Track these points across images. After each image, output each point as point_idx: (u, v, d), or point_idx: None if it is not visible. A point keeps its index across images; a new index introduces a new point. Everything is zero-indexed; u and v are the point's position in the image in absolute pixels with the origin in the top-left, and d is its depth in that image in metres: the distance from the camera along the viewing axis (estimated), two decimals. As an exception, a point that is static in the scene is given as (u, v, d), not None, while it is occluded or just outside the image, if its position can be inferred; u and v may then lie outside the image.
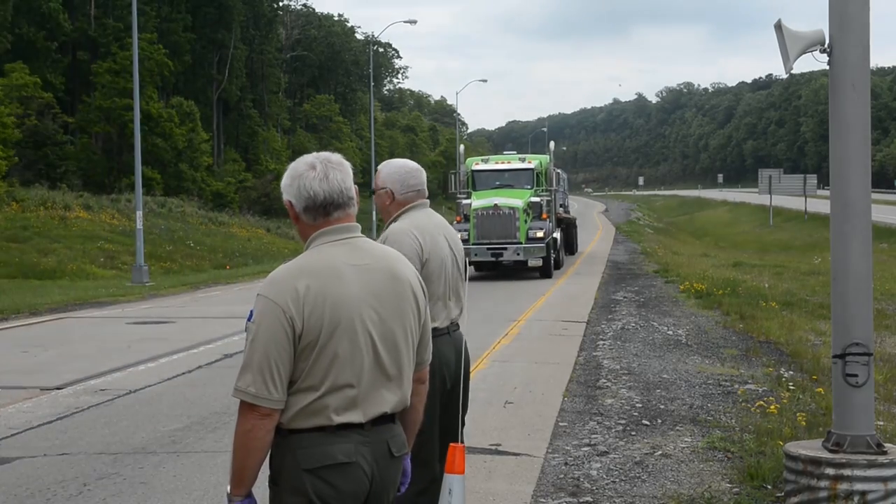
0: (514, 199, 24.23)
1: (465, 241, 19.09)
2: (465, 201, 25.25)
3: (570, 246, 33.28)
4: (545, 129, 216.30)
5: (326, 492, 2.81)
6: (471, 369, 4.72)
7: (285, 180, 2.94)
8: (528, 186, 25.47)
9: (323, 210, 2.90)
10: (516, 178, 25.89)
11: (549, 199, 26.06)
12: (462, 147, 32.30)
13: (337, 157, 2.96)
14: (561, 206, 31.39)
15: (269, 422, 2.84)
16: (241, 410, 2.89)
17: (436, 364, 3.91)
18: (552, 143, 30.50)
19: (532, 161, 26.72)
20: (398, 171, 4.57)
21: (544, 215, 25.19)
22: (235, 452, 2.91)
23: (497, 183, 25.71)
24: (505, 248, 23.71)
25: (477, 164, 26.88)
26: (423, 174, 4.66)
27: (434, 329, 4.17)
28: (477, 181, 26.10)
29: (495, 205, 23.85)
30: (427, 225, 4.53)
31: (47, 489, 6.60)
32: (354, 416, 2.84)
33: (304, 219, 2.93)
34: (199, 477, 6.77)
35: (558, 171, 31.03)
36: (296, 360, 2.81)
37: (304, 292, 2.79)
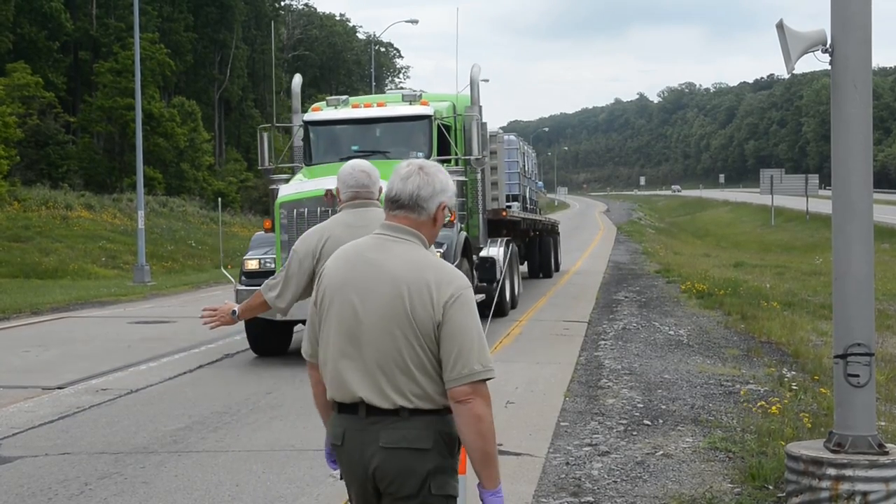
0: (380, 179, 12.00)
1: (253, 276, 11.86)
2: (281, 188, 12.68)
3: (546, 265, 24.21)
4: (546, 129, 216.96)
5: None
6: None
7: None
8: (422, 154, 13.11)
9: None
10: (395, 136, 13.61)
11: (471, 180, 14.17)
12: (297, 79, 15.80)
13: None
14: (527, 200, 22.06)
15: None
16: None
17: None
18: (476, 68, 14.91)
19: (428, 104, 13.70)
20: (342, 173, 4.88)
21: (452, 215, 14.11)
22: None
23: (356, 148, 13.42)
24: None
25: (317, 111, 14.19)
26: (367, 175, 4.86)
27: None
28: (317, 145, 13.71)
29: (328, 192, 10.90)
30: (336, 225, 4.79)
31: (49, 489, 6.61)
32: None
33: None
34: (200, 476, 6.77)
35: (510, 136, 21.12)
36: None
37: None
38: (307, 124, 13.82)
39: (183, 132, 53.43)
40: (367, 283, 3.05)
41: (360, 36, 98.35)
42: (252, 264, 12.30)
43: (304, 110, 14.88)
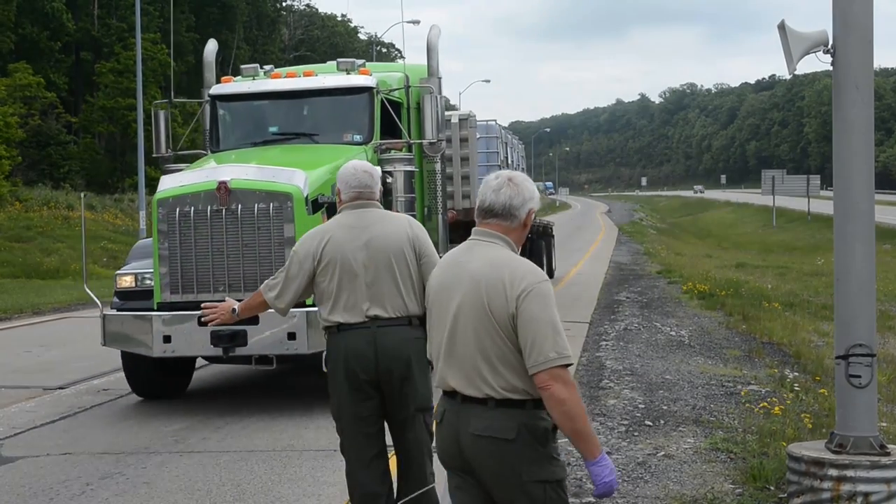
0: (294, 170, 8.98)
1: (128, 296, 9.20)
2: (162, 179, 9.34)
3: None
4: (548, 130, 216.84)
5: None
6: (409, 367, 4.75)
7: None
8: (360, 137, 10.09)
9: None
10: (326, 115, 10.56)
11: (427, 171, 10.97)
12: (212, 44, 12.35)
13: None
14: None
15: None
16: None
17: (341, 355, 4.68)
18: (436, 30, 11.26)
19: (370, 73, 10.49)
20: (342, 173, 4.90)
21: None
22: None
23: (274, 130, 10.59)
24: (248, 321, 7.31)
25: (227, 82, 10.99)
26: (370, 175, 4.89)
27: (347, 324, 4.68)
28: (226, 125, 10.78)
29: (221, 185, 8.64)
30: (336, 226, 4.82)
31: (50, 489, 6.61)
32: None
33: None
34: (202, 477, 6.78)
35: (490, 122, 17.75)
36: None
37: None
38: (214, 99, 10.69)
39: (184, 132, 53.36)
40: (455, 285, 3.40)
41: (362, 36, 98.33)
42: (126, 281, 9.26)
43: None
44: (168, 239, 8.74)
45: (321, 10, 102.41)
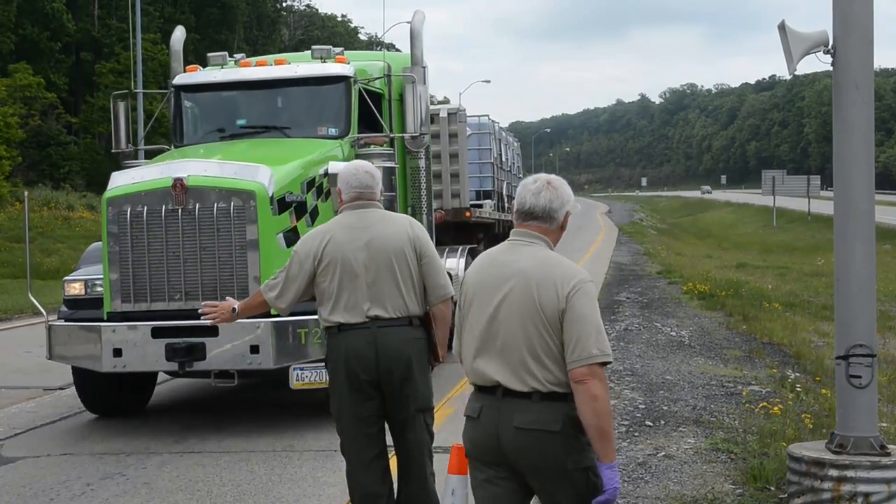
0: (258, 166, 8.12)
1: (78, 304, 8.48)
2: (113, 176, 8.48)
3: None
4: (548, 130, 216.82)
5: None
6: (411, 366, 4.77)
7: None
8: (336, 130, 9.36)
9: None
10: (299, 107, 9.81)
11: (411, 168, 10.10)
12: (179, 32, 11.26)
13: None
14: (504, 198, 17.21)
15: None
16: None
17: (342, 356, 4.66)
18: (420, 16, 10.56)
19: (347, 61, 9.69)
20: (344, 173, 4.92)
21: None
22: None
23: (242, 123, 9.81)
24: (206, 332, 7.55)
25: (193, 71, 10.25)
26: (371, 176, 4.90)
27: (348, 324, 4.68)
28: (190, 118, 10.12)
29: (177, 183, 7.83)
30: (337, 226, 4.83)
31: (51, 489, 6.62)
32: None
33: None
34: (202, 477, 6.78)
35: (483, 118, 16.46)
36: None
37: None
38: (178, 90, 9.96)
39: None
40: (500, 282, 3.48)
41: (362, 37, 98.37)
42: (75, 288, 8.52)
43: None
44: (119, 242, 7.94)
45: (321, 10, 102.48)
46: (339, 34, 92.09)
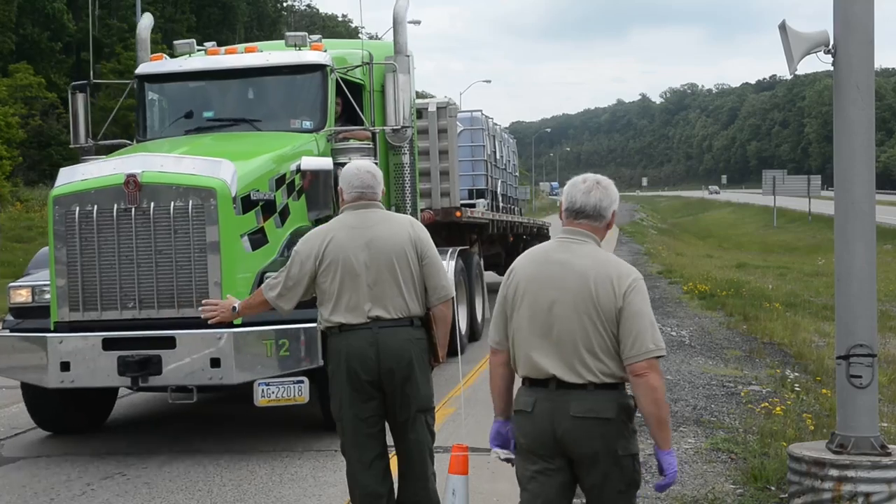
0: (220, 161, 7.43)
1: (24, 313, 7.73)
2: (61, 172, 7.81)
3: None
4: (549, 130, 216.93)
5: None
6: (413, 367, 4.77)
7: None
8: (310, 123, 8.81)
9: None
10: (271, 98, 9.27)
11: (395, 164, 9.72)
12: (146, 19, 10.86)
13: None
14: (498, 197, 17.00)
15: None
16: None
17: (343, 355, 4.66)
18: (402, 2, 9.72)
19: (323, 48, 9.11)
20: (346, 172, 4.92)
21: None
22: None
23: (209, 115, 9.18)
24: (162, 344, 7.06)
25: (158, 60, 9.65)
26: (373, 177, 4.91)
27: (349, 325, 4.67)
28: (154, 110, 9.63)
29: (130, 179, 7.18)
30: (339, 226, 4.82)
31: (51, 489, 6.62)
32: None
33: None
34: (202, 477, 6.78)
35: (476, 112, 16.03)
36: None
37: None
38: (141, 80, 9.33)
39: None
40: (557, 279, 3.63)
41: (363, 37, 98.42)
42: (21, 295, 7.77)
43: None
44: (66, 245, 7.27)
45: (322, 10, 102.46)
46: (339, 34, 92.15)
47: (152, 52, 9.90)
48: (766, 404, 8.23)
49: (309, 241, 4.86)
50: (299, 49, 9.01)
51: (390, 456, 4.95)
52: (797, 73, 5.51)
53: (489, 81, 74.91)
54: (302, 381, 6.94)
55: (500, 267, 18.06)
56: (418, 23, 52.66)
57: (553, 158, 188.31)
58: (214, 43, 9.85)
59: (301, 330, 6.92)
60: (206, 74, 9.21)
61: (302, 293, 4.84)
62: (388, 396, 4.75)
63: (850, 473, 5.12)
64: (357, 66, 9.18)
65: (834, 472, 5.15)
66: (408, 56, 9.41)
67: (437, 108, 12.42)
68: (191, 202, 7.10)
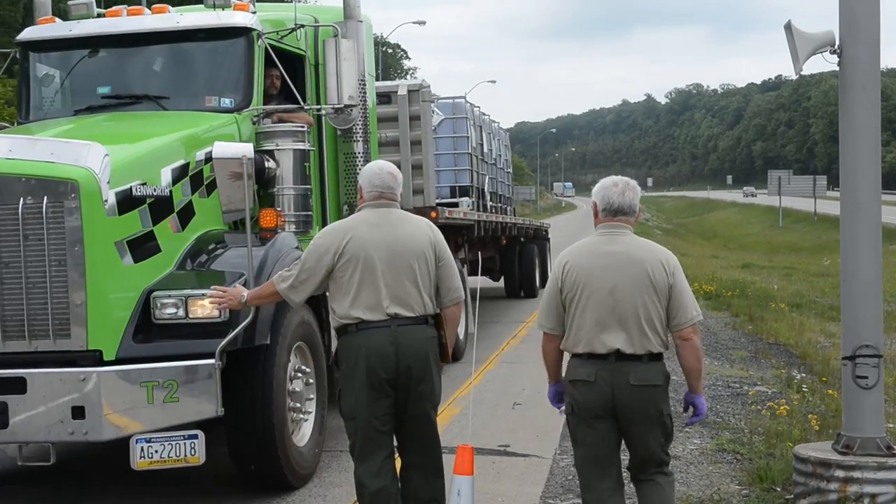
0: (87, 145, 5.60)
1: None
2: None
3: (528, 281, 18.12)
4: (554, 130, 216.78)
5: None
6: (430, 366, 4.77)
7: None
8: (230, 101, 6.96)
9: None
10: (182, 69, 7.32)
11: (347, 154, 7.90)
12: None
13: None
14: (486, 195, 15.44)
15: None
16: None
17: (362, 352, 4.64)
18: None
19: (250, 9, 7.18)
20: (367, 171, 4.96)
21: (270, 219, 6.62)
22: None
23: (105, 91, 7.20)
24: (9, 388, 5.28)
25: (48, 23, 7.79)
26: (394, 178, 4.92)
27: (368, 322, 4.66)
28: (40, 85, 7.62)
29: None
30: (360, 223, 4.81)
31: (52, 488, 6.62)
32: None
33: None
34: (203, 476, 6.78)
35: (458, 99, 14.68)
36: None
37: None
38: (25, 48, 7.73)
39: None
40: (613, 266, 4.32)
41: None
42: None
43: None
44: None
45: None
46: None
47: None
48: (772, 405, 8.21)
49: (328, 236, 4.85)
50: (221, 10, 7.19)
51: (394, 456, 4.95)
52: (803, 73, 5.52)
53: (494, 82, 74.85)
54: (195, 437, 5.39)
55: (494, 272, 16.99)
56: (423, 23, 52.59)
57: (558, 159, 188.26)
58: (125, 6, 7.70)
59: (195, 368, 5.41)
60: (102, 41, 7.41)
61: (315, 287, 4.83)
62: (400, 394, 4.75)
63: (856, 474, 5.12)
64: (290, 31, 7.34)
65: (840, 473, 5.15)
66: (360, 21, 7.71)
67: (409, 91, 10.72)
68: (45, 199, 5.35)
